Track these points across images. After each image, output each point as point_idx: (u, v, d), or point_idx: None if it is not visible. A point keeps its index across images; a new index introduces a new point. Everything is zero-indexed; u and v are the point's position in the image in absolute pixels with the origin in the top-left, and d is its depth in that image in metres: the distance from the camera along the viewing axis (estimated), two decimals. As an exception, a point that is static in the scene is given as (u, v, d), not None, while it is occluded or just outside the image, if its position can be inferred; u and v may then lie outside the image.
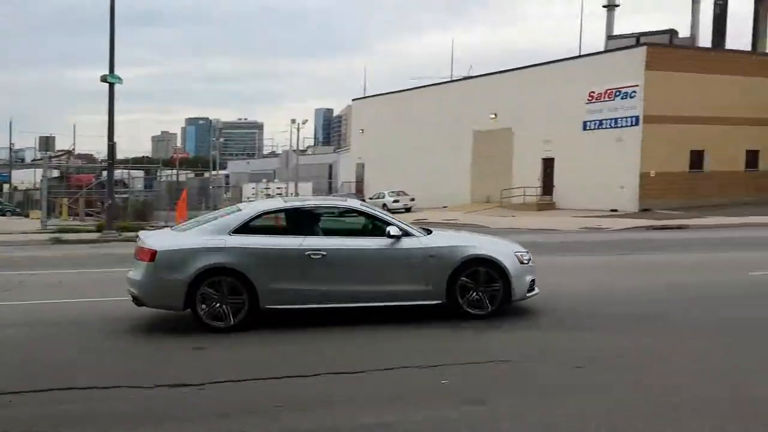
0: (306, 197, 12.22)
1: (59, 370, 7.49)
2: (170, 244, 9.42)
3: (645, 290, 12.04)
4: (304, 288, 9.32)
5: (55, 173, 45.66)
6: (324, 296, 9.41)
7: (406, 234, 9.76)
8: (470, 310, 9.59)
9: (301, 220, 9.78)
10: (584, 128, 42.52)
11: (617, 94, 40.48)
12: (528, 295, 9.94)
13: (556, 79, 43.68)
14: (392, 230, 9.65)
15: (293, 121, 74.24)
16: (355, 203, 10.96)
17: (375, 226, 9.97)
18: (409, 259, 9.63)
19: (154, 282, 9.18)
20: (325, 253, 9.38)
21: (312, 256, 9.33)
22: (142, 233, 10.12)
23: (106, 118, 26.63)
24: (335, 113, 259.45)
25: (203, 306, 9.10)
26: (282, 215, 10.01)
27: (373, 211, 10.33)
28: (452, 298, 9.59)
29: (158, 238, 9.72)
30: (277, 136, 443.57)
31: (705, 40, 56.75)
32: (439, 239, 10.06)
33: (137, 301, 9.51)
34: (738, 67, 42.04)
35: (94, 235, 25.68)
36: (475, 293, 9.63)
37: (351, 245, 9.69)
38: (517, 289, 9.73)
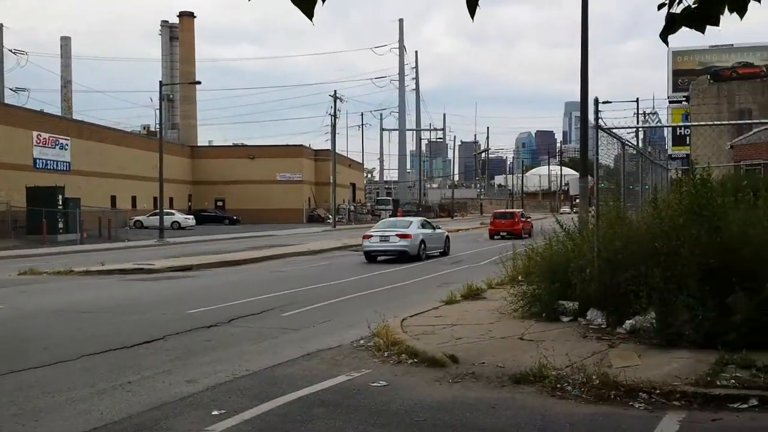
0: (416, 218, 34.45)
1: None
2: (412, 232, 26.03)
3: None
4: (431, 245, 26.86)
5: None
6: (431, 249, 26.97)
7: (438, 228, 29.44)
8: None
9: (423, 224, 28.16)
10: None
11: None
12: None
13: None
14: (436, 225, 30.22)
15: None
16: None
17: (430, 226, 28.63)
18: (441, 236, 28.32)
19: (412, 246, 25.47)
20: (431, 233, 27.41)
21: (427, 235, 26.86)
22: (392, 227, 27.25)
23: None
24: None
25: (420, 253, 25.99)
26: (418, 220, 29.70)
27: (428, 221, 31.37)
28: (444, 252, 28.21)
29: (406, 230, 26.24)
30: None
31: None
32: (442, 230, 29.45)
33: (402, 255, 25.34)
34: None
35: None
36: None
37: (430, 233, 27.28)
38: (450, 250, 28.91)
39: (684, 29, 3.37)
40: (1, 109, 50.90)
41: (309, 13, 3.15)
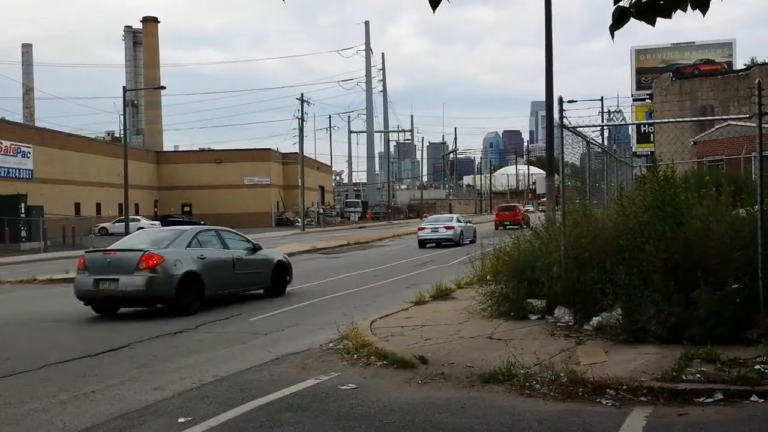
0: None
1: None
2: (454, 225, 34.82)
3: None
4: (466, 235, 35.35)
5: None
6: (466, 237, 35.58)
7: (469, 222, 38.89)
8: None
9: (458, 220, 37.43)
10: None
11: None
12: None
13: None
14: (467, 220, 39.41)
15: None
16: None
17: (464, 221, 37.83)
18: (471, 228, 37.07)
19: (455, 235, 33.85)
20: (465, 226, 36.31)
21: (463, 228, 35.84)
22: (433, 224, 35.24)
23: None
24: None
25: (460, 240, 34.04)
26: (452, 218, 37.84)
27: (460, 218, 40.18)
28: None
29: (450, 223, 35.18)
30: None
31: None
32: (472, 224, 38.52)
33: (448, 241, 33.50)
34: None
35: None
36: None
37: (465, 226, 36.42)
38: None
39: (642, 26, 3.37)
40: (-39, 117, 49.89)
41: None
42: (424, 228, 34.96)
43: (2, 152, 49.81)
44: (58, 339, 11.64)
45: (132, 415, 6.94)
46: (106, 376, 8.66)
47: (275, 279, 16.31)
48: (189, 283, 13.72)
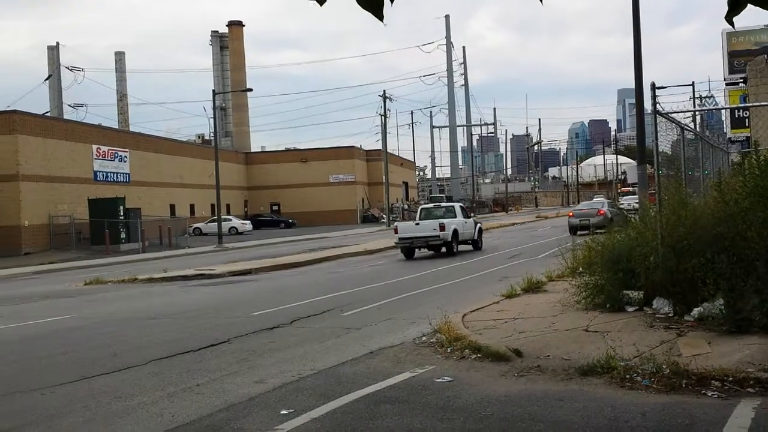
0: None
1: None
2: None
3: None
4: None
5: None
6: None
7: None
8: None
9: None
10: None
11: None
12: None
13: None
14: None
15: None
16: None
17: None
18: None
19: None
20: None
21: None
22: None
23: None
24: None
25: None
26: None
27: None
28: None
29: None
30: None
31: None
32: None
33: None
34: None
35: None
36: None
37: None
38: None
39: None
40: (64, 125, 52.34)
41: (378, 14, 3.15)
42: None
43: (101, 157, 52.06)
44: (161, 335, 12.12)
45: (236, 407, 7.17)
46: (209, 370, 8.98)
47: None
48: (610, 221, 25.64)
